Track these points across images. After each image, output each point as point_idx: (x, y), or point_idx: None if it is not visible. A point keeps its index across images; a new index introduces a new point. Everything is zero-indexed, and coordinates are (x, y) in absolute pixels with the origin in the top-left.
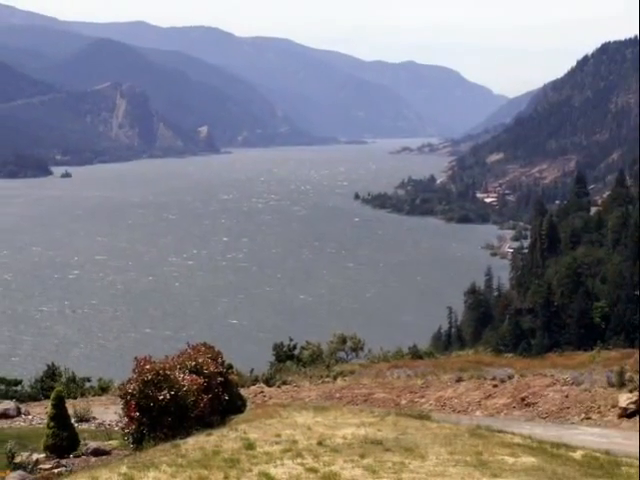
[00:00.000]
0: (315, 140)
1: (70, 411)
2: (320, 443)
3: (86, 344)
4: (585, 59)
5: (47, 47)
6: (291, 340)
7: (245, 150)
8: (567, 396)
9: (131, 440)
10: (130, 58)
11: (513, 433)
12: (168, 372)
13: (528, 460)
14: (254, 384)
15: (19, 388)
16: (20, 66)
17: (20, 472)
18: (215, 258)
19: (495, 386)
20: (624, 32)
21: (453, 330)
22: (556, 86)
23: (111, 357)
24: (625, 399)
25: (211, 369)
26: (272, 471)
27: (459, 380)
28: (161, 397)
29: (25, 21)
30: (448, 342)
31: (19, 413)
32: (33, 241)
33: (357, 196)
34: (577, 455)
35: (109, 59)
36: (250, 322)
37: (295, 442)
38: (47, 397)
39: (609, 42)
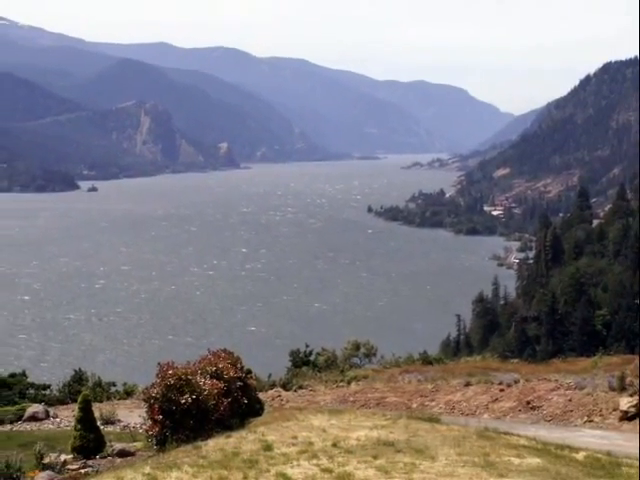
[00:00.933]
0: (330, 156)
1: (96, 414)
2: (335, 445)
3: (111, 350)
4: (587, 78)
5: (74, 67)
6: (307, 346)
7: (263, 165)
8: (570, 400)
9: (154, 442)
10: (153, 77)
11: (519, 435)
12: (190, 377)
13: (533, 461)
14: (272, 388)
15: (48, 392)
16: (49, 85)
17: (49, 472)
18: (234, 268)
19: (502, 390)
20: (624, 52)
21: (462, 337)
22: (560, 104)
23: (135, 363)
24: (626, 402)
25: (231, 374)
26: (289, 471)
27: (467, 384)
28: (183, 401)
29: (54, 42)
30: (457, 348)
31: (48, 416)
32: (61, 252)
33: (370, 209)
34: (580, 456)
35: (133, 78)
36: (268, 329)
37: (311, 444)
38: (74, 401)
39: (610, 62)
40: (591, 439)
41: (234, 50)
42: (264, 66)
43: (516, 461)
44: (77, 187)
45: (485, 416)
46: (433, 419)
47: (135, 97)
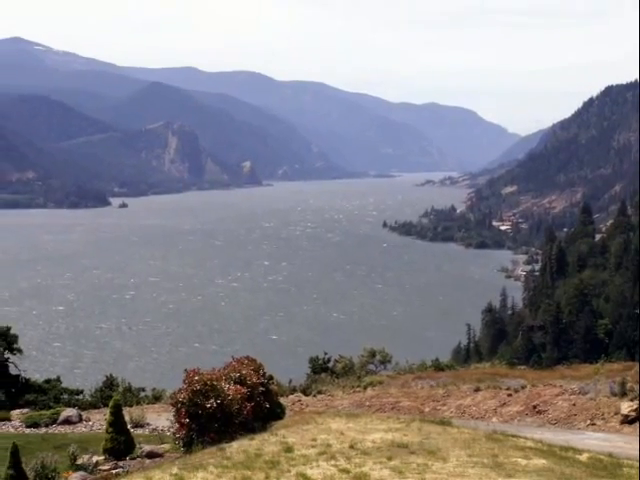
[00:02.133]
0: (347, 174)
1: (127, 418)
2: (352, 446)
3: (141, 357)
4: (590, 101)
5: (106, 90)
6: (325, 354)
7: (284, 183)
8: (574, 404)
9: (181, 444)
10: (180, 100)
11: (526, 437)
12: (215, 383)
13: (539, 462)
14: (292, 393)
15: (81, 397)
16: (82, 107)
17: (81, 473)
18: (257, 280)
19: (509, 395)
20: (625, 76)
21: (471, 345)
22: (564, 125)
23: (163, 369)
24: (627, 407)
25: (253, 380)
26: (308, 472)
27: (477, 390)
28: (208, 405)
29: (86, 66)
30: (467, 356)
31: (81, 420)
32: (94, 265)
33: (385, 224)
34: (583, 457)
35: (161, 101)
36: (289, 337)
37: (329, 446)
38: (106, 405)
39: (612, 85)
40: (594, 441)
41: (257, 74)
42: (285, 89)
43: (523, 462)
44: (108, 203)
45: (494, 420)
46: (445, 422)
47: (163, 118)
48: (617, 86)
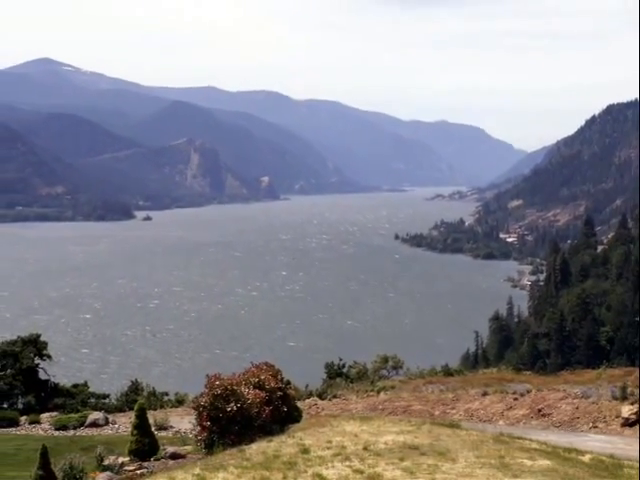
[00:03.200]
0: (361, 188)
1: (151, 420)
2: (365, 448)
3: (164, 363)
4: (593, 119)
5: (131, 108)
6: (340, 360)
7: (301, 197)
8: (577, 408)
9: (203, 446)
10: (202, 118)
11: (531, 440)
12: (235, 387)
13: (544, 463)
14: (309, 397)
15: (107, 401)
16: (108, 125)
17: (108, 473)
18: (275, 289)
19: (515, 399)
20: (626, 95)
21: (479, 351)
22: (567, 142)
23: (186, 374)
24: (627, 410)
25: (272, 385)
26: (324, 472)
27: (485, 394)
28: (229, 409)
29: (112, 86)
30: (475, 361)
31: (107, 422)
32: (119, 275)
33: (397, 236)
34: (586, 458)
35: (184, 119)
36: (305, 344)
37: (344, 447)
38: (131, 409)
39: (613, 104)
40: (596, 443)
41: (275, 93)
42: (302, 108)
43: (528, 463)
44: (133, 217)
45: (500, 422)
46: (454, 425)
47: (186, 135)
48: (618, 105)
